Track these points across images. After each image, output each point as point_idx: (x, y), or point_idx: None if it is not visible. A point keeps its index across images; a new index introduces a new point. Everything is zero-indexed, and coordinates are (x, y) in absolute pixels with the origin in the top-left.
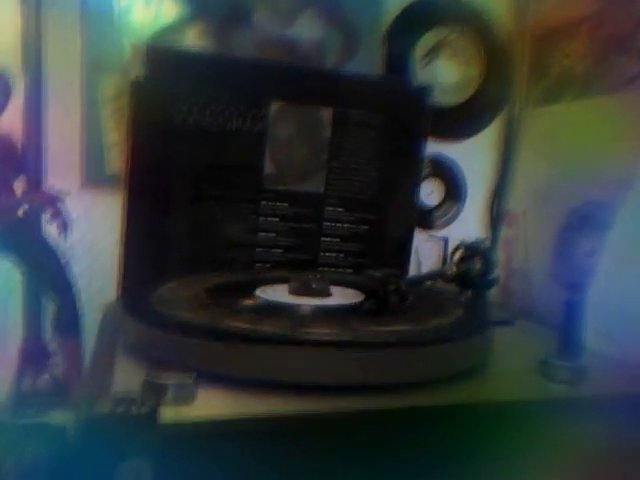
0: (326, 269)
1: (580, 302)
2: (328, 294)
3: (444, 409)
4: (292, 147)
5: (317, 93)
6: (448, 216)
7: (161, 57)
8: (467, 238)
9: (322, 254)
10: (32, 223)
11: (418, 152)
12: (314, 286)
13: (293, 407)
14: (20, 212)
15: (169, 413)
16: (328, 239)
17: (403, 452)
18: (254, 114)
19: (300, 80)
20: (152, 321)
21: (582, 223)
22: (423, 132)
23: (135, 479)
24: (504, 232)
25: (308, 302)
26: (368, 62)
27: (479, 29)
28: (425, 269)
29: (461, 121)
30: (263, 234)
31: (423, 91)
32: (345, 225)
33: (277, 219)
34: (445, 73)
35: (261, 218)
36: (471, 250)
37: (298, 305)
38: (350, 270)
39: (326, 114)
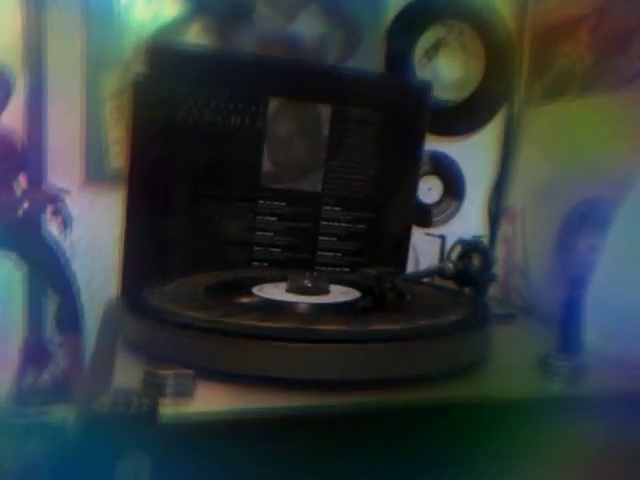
0: (324, 268)
1: (580, 299)
2: (326, 292)
3: (442, 405)
4: (290, 145)
5: (316, 91)
6: (447, 213)
7: (162, 55)
8: (467, 235)
9: (320, 253)
10: (33, 222)
11: (417, 150)
12: (311, 284)
13: (292, 402)
14: (21, 211)
15: (168, 409)
16: (326, 238)
17: (401, 446)
18: (254, 112)
19: (299, 77)
20: (152, 318)
21: (582, 221)
22: (422, 130)
23: (135, 475)
24: (504, 229)
25: (306, 300)
26: (369, 59)
27: (480, 27)
28: (423, 267)
29: (461, 119)
30: (261, 233)
31: (422, 89)
32: (342, 224)
33: (275, 218)
34: (445, 71)
35: (259, 217)
36: (469, 247)
37: (296, 303)
38: (348, 269)
39: (324, 112)
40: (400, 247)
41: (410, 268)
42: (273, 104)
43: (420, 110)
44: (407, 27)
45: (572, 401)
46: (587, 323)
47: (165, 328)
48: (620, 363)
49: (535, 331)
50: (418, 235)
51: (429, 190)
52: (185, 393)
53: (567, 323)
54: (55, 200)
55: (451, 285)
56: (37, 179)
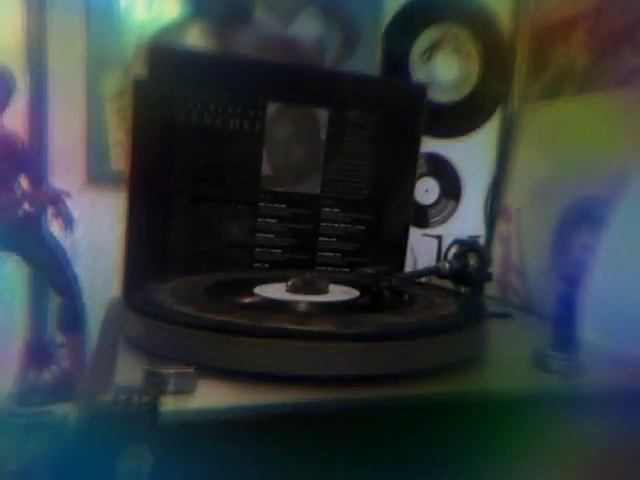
0: (324, 268)
1: (575, 297)
2: (325, 292)
3: (439, 401)
4: (289, 149)
5: (313, 94)
6: (444, 214)
7: (162, 56)
8: (464, 235)
9: (319, 254)
10: (33, 222)
11: (414, 152)
12: (311, 284)
13: (292, 399)
14: (21, 211)
15: (169, 406)
16: (325, 239)
17: (400, 442)
18: (252, 115)
19: (297, 80)
20: (154, 316)
21: (579, 219)
22: (419, 132)
23: (136, 472)
24: (500, 229)
25: (305, 299)
26: (367, 60)
27: (476, 28)
28: (420, 267)
29: (458, 119)
30: (261, 235)
31: (420, 91)
32: (341, 225)
33: (275, 220)
34: (443, 72)
35: (259, 219)
36: (465, 247)
37: (296, 301)
38: (347, 269)
39: (322, 116)
40: (398, 247)
41: (408, 268)
42: (271, 108)
43: (417, 112)
44: (404, 29)
45: (567, 396)
46: (585, 321)
47: (166, 324)
48: (617, 360)
49: (531, 328)
50: (416, 236)
51: (426, 192)
52: (186, 391)
53: (562, 320)
54: (56, 201)
55: (448, 284)
56: (38, 180)
